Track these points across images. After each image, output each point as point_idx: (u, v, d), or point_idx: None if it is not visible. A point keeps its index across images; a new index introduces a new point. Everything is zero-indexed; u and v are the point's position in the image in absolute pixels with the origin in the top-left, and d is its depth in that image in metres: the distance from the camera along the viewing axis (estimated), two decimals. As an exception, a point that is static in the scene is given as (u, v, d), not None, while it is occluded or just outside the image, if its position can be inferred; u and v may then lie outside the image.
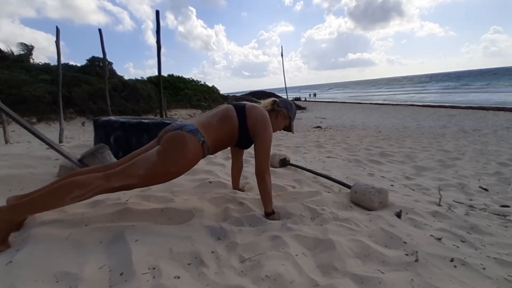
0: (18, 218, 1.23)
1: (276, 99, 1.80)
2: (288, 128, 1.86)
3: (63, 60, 5.21)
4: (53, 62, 11.80)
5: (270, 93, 20.53)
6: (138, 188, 1.48)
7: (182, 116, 10.51)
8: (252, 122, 1.54)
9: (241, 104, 1.62)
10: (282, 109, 1.76)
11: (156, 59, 4.80)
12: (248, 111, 1.56)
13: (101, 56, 5.93)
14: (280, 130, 1.86)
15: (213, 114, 1.56)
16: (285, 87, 18.30)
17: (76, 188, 1.19)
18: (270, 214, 1.56)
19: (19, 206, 1.18)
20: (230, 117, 1.53)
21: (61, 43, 5.02)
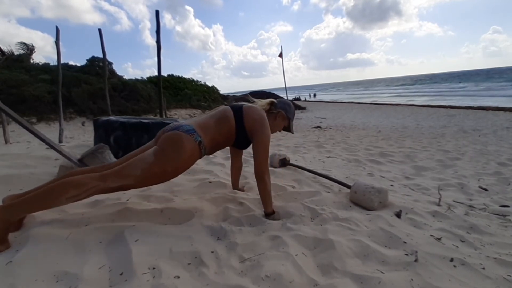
0: (14, 218, 1.21)
1: (274, 100, 1.78)
2: (288, 129, 1.84)
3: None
4: (50, 62, 11.79)
5: (270, 93, 20.49)
6: (138, 188, 1.48)
7: (182, 116, 10.50)
8: (249, 122, 1.54)
9: (239, 104, 1.61)
10: (280, 110, 1.75)
11: (155, 59, 4.81)
12: (245, 111, 1.56)
13: (99, 56, 5.93)
14: (280, 131, 1.85)
15: (210, 115, 1.56)
16: (285, 87, 18.30)
17: (71, 188, 1.18)
18: (270, 214, 1.56)
19: (15, 205, 1.17)
20: (227, 118, 1.53)
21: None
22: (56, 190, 1.18)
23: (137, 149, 1.51)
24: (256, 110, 1.59)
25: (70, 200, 1.20)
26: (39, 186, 1.36)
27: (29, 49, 11.51)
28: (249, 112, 1.56)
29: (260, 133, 1.53)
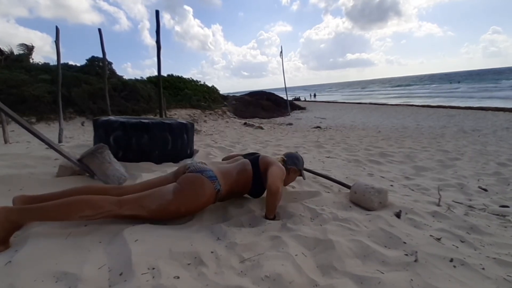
0: (24, 221, 1.24)
1: (284, 157, 1.91)
2: (300, 176, 1.99)
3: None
4: (50, 62, 11.77)
5: (269, 93, 20.45)
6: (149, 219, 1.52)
7: (182, 116, 10.49)
8: (263, 164, 1.68)
9: (255, 156, 1.79)
10: (292, 166, 1.89)
11: (154, 59, 4.81)
12: (260, 160, 1.72)
13: (99, 55, 5.93)
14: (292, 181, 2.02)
15: (233, 166, 1.67)
16: (285, 88, 18.31)
17: (88, 208, 1.23)
18: (271, 219, 1.57)
19: (29, 211, 1.19)
20: (246, 170, 1.66)
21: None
22: (73, 206, 1.22)
23: (155, 178, 1.59)
24: (270, 157, 1.78)
25: (82, 218, 1.25)
26: (53, 194, 1.38)
27: (29, 49, 11.49)
28: (264, 158, 1.74)
29: (275, 165, 1.65)
